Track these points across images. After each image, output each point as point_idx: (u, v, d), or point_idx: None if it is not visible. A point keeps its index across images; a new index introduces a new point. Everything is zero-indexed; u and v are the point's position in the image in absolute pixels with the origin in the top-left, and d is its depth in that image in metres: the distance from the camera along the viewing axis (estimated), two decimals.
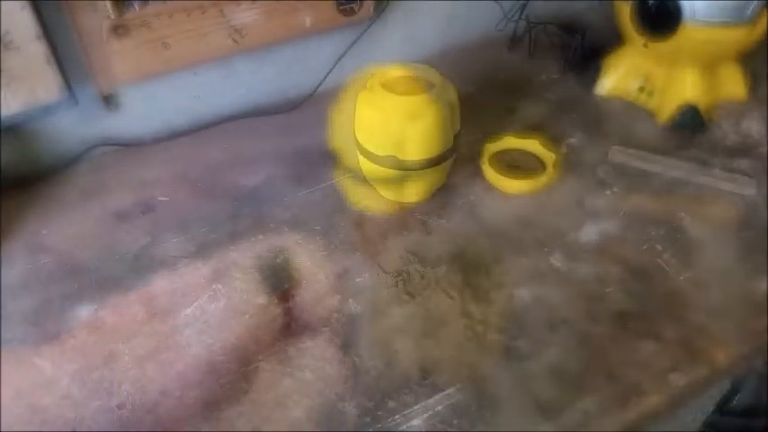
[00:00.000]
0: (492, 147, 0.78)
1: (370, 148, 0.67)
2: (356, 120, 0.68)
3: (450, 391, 0.54)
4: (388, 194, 0.73)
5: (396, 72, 0.68)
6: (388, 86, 0.65)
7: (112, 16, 0.69)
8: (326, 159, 0.80)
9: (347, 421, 0.52)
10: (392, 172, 0.67)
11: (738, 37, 0.76)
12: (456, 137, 0.69)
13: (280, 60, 0.89)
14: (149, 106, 0.83)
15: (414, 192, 0.71)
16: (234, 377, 0.55)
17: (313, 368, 0.55)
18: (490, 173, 0.74)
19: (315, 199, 0.74)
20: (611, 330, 0.59)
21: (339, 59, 0.93)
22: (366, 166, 0.70)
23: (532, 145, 0.78)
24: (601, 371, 0.56)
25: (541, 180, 0.73)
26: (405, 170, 0.67)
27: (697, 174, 0.74)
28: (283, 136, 0.85)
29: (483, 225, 0.70)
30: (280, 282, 0.63)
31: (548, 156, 0.76)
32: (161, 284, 0.64)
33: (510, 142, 0.79)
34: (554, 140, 0.82)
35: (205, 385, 0.54)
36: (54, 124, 0.77)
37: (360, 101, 0.67)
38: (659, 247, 0.66)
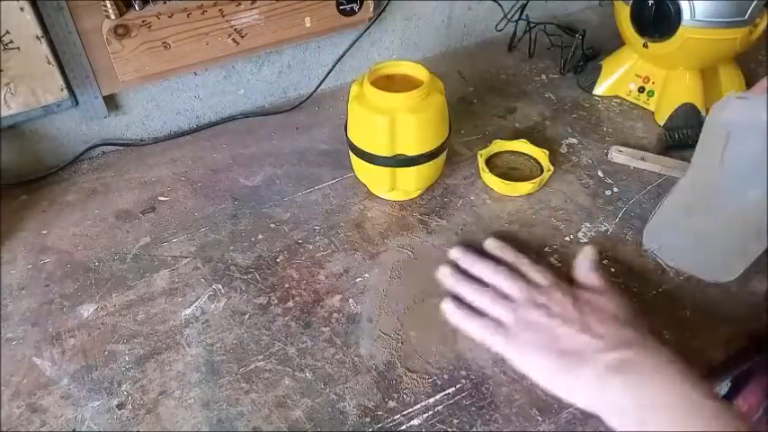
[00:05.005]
0: (491, 147, 0.78)
1: (364, 146, 0.67)
2: (348, 120, 0.69)
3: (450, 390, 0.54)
4: (383, 193, 0.73)
5: (384, 70, 0.69)
6: (378, 84, 0.65)
7: (113, 16, 0.69)
8: (326, 159, 0.81)
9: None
10: (387, 170, 0.67)
11: (738, 37, 0.76)
12: (449, 131, 0.69)
13: (280, 60, 0.89)
14: (149, 106, 0.83)
15: (409, 188, 0.71)
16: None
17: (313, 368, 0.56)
18: (488, 174, 0.74)
19: (315, 199, 0.74)
20: None
21: (339, 59, 0.93)
22: (360, 165, 0.70)
23: (531, 146, 0.78)
24: None
25: (539, 181, 0.73)
26: (400, 167, 0.67)
27: None
28: (283, 136, 0.86)
29: (483, 225, 0.70)
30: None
31: (546, 156, 0.76)
32: (161, 284, 0.64)
33: (508, 143, 0.79)
34: (554, 141, 0.82)
35: None
36: (54, 124, 0.78)
37: (350, 101, 0.67)
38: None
